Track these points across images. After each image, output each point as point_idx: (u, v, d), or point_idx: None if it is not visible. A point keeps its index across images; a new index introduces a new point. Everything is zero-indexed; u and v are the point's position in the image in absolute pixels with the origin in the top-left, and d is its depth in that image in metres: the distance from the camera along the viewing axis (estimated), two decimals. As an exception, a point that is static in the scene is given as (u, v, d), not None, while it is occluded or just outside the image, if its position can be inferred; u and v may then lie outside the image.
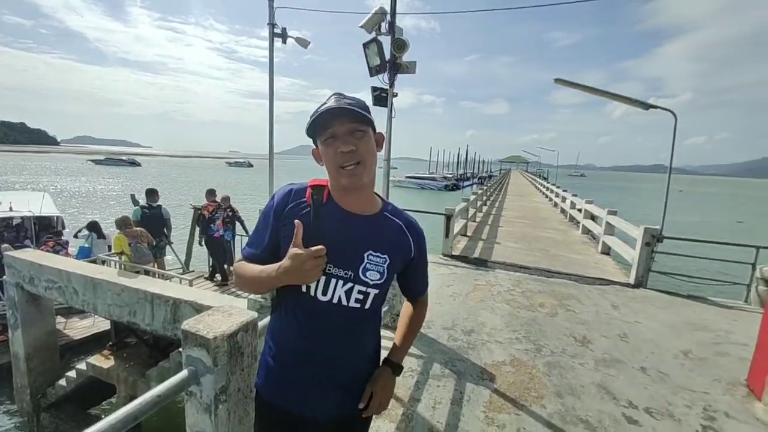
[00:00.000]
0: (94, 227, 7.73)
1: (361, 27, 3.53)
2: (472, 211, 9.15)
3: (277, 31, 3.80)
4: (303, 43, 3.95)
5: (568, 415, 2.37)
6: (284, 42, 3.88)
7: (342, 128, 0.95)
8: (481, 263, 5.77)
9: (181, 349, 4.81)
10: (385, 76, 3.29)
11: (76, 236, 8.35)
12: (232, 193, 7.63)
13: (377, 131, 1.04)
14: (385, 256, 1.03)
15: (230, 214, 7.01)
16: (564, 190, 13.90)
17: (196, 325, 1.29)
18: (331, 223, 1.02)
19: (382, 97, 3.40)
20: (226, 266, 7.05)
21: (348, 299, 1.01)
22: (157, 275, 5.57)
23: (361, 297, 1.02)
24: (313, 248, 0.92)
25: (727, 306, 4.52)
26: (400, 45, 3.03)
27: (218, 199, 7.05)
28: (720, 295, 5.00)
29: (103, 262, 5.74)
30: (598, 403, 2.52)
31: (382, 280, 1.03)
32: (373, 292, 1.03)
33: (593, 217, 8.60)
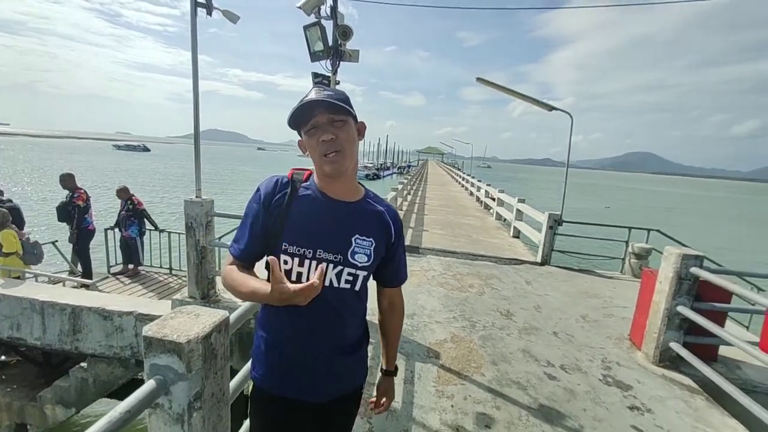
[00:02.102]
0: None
1: (300, 8, 3.37)
2: (399, 200, 9.49)
3: (201, 0, 3.43)
4: (232, 17, 3.62)
5: (503, 379, 2.70)
6: (209, 14, 3.50)
7: (322, 118, 0.99)
8: (414, 250, 6.07)
9: (84, 364, 4.16)
10: (327, 63, 3.21)
11: None
12: (130, 185, 6.66)
13: (359, 120, 1.08)
14: (371, 239, 1.08)
15: (131, 207, 6.15)
16: (479, 180, 15.22)
17: (161, 330, 1.15)
18: (319, 210, 1.06)
19: (324, 84, 3.32)
20: (131, 266, 6.22)
21: (339, 281, 1.06)
22: (49, 280, 4.68)
23: (350, 279, 1.07)
24: (300, 286, 0.90)
25: (609, 277, 5.53)
26: (345, 32, 2.98)
27: (119, 190, 6.16)
28: (602, 267, 6.09)
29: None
30: (525, 365, 2.91)
31: (369, 263, 1.08)
32: (361, 274, 1.08)
33: (501, 203, 9.62)
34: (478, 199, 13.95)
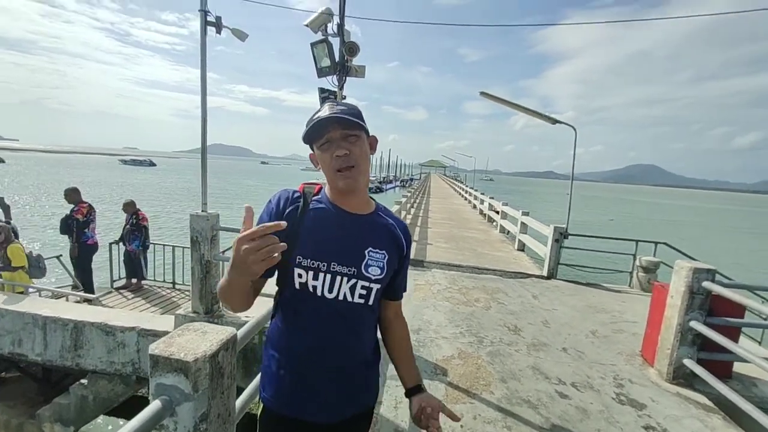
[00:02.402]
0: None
1: (306, 26, 3.44)
2: (403, 213, 9.48)
3: (211, 18, 3.51)
4: (240, 35, 3.70)
5: (513, 397, 2.62)
6: (219, 32, 3.58)
7: (336, 134, 0.99)
8: (418, 263, 6.02)
9: (84, 381, 4.10)
10: (334, 78, 3.25)
11: None
12: (136, 199, 6.69)
13: (371, 135, 1.08)
14: (384, 252, 1.07)
15: (135, 221, 6.18)
16: (482, 193, 15.23)
17: (168, 348, 1.13)
18: (332, 223, 1.06)
19: (331, 99, 3.36)
20: (134, 280, 6.21)
21: (353, 295, 1.04)
22: (53, 295, 4.66)
23: (364, 292, 1.05)
24: (251, 230, 0.77)
25: (617, 291, 5.45)
26: (352, 48, 3.03)
27: (125, 204, 6.20)
28: (609, 281, 6.00)
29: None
30: (535, 383, 2.83)
31: (383, 275, 1.06)
32: (375, 287, 1.06)
33: (505, 216, 9.59)
34: (481, 212, 13.93)
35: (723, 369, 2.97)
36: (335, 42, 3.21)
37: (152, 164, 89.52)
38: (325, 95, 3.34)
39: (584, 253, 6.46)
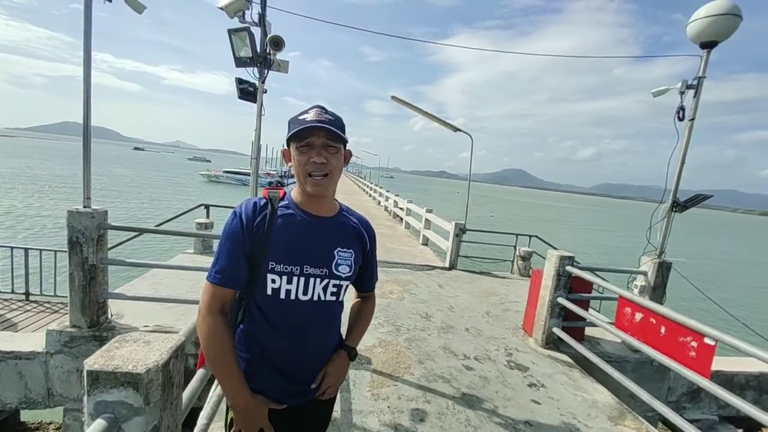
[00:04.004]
0: None
1: (222, 9, 3.20)
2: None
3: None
4: (137, 6, 3.24)
5: (430, 375, 2.95)
6: (109, -1, 3.09)
7: (319, 141, 1.03)
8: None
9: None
10: (255, 70, 3.09)
11: None
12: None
13: (347, 148, 1.13)
14: (351, 250, 1.16)
15: None
16: (387, 191, 15.94)
17: (110, 362, 1.02)
18: (302, 228, 1.10)
19: (249, 91, 3.18)
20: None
21: (325, 294, 1.11)
22: None
23: (335, 290, 1.13)
24: None
25: (503, 277, 6.42)
26: (278, 43, 2.92)
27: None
28: (497, 269, 7.03)
29: None
30: (446, 360, 3.23)
31: (351, 273, 1.16)
32: (344, 284, 1.15)
33: (410, 213, 10.31)
34: (386, 209, 14.60)
35: (579, 334, 3.82)
36: (257, 32, 3.05)
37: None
38: (244, 86, 3.16)
39: (476, 245, 7.41)
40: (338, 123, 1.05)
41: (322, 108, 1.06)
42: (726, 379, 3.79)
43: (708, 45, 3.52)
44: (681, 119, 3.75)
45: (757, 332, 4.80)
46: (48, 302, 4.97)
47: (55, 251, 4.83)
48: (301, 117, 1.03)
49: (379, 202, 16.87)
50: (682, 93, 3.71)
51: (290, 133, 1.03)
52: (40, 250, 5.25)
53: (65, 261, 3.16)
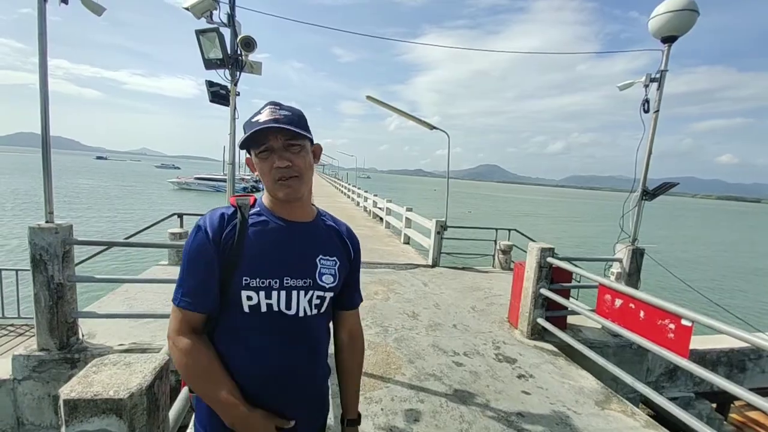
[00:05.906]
0: None
1: (187, 9, 3.08)
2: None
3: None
4: (95, 8, 3.07)
5: (421, 374, 2.95)
6: (65, 1, 2.92)
7: (277, 142, 0.93)
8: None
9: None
10: (226, 72, 2.99)
11: None
12: None
13: (315, 142, 1.04)
14: (334, 258, 1.05)
15: None
16: (365, 191, 15.89)
17: (88, 388, 0.95)
18: (279, 236, 0.99)
19: (221, 94, 3.06)
20: None
21: (310, 306, 1.00)
22: None
23: (318, 302, 1.01)
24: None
25: (485, 271, 6.52)
26: (249, 43, 2.82)
27: None
28: (479, 264, 7.13)
29: None
30: (436, 358, 3.23)
31: (336, 283, 1.04)
32: (329, 295, 1.04)
33: (390, 212, 10.32)
34: (365, 209, 14.54)
35: (561, 322, 3.92)
36: (226, 33, 2.95)
37: None
38: (215, 89, 3.04)
39: (457, 241, 7.50)
40: (296, 118, 0.95)
41: (276, 104, 0.96)
42: (699, 357, 4.00)
43: (668, 39, 3.69)
44: (646, 111, 3.92)
45: (728, 310, 5.10)
46: (11, 325, 4.64)
47: (17, 270, 4.51)
48: (254, 119, 0.93)
49: (358, 203, 16.79)
50: (646, 86, 3.87)
51: (243, 139, 0.92)
52: (0, 270, 4.90)
53: (29, 280, 2.96)
